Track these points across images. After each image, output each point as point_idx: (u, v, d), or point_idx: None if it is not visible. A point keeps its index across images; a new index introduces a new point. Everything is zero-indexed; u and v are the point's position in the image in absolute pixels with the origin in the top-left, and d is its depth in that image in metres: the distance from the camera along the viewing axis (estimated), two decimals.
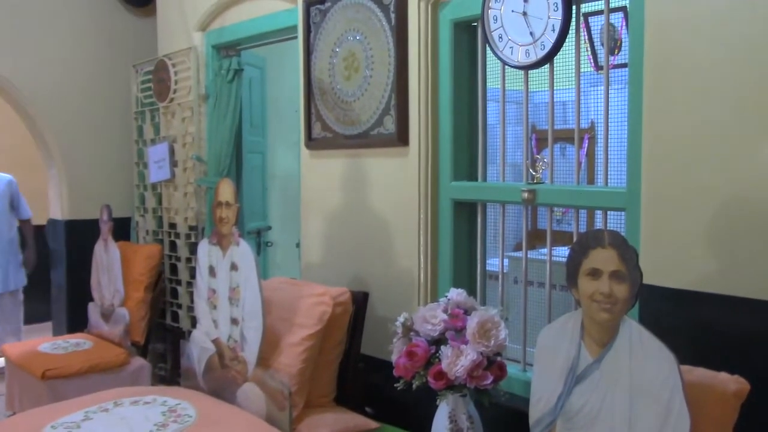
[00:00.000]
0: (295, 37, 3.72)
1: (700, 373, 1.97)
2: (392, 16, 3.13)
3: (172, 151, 4.55)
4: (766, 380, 1.96)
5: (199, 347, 3.28)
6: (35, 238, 5.49)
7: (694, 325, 2.17)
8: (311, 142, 3.61)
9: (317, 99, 3.57)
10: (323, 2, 3.48)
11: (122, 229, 4.86)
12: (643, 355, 1.92)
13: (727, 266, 2.10)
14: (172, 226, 4.61)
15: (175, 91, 4.53)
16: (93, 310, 4.49)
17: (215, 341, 3.17)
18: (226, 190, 3.14)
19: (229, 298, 3.08)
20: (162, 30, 4.78)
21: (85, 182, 5.00)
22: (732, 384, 1.90)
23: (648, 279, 2.08)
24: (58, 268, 5.08)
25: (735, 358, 2.03)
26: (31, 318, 5.97)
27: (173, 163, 4.55)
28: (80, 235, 4.85)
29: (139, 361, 4.03)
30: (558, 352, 2.06)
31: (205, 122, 4.36)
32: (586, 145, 5.55)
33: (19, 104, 4.87)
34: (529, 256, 3.03)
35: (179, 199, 4.53)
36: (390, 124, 3.18)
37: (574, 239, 2.29)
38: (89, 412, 2.85)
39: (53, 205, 5.15)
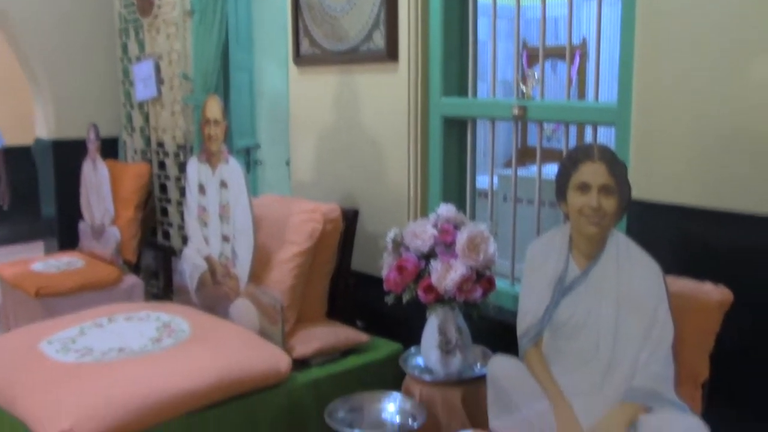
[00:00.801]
0: None
1: (685, 284, 2.01)
2: None
3: (157, 69, 4.47)
4: (748, 290, 2.00)
5: (191, 264, 3.31)
6: (8, 171, 5.13)
7: (680, 237, 2.20)
8: (299, 58, 3.56)
9: (305, 14, 3.50)
10: None
11: (110, 149, 4.82)
12: (629, 267, 1.96)
13: (714, 181, 2.11)
14: (160, 144, 4.58)
15: (159, 7, 4.42)
16: (84, 229, 4.50)
17: (207, 258, 3.20)
18: (213, 108, 3.11)
19: (220, 216, 3.09)
20: None
21: (71, 101, 4.93)
22: (716, 294, 1.95)
23: (636, 193, 2.09)
24: (47, 188, 5.06)
25: (719, 270, 2.07)
26: (22, 237, 5.98)
27: (159, 81, 4.48)
28: (68, 155, 4.81)
29: (131, 279, 4.07)
30: (546, 264, 2.09)
31: (190, 39, 4.27)
32: (578, 61, 5.50)
33: (1, 26, 4.75)
34: (518, 173, 3.04)
35: (167, 117, 4.49)
36: (379, 40, 3.13)
37: (564, 156, 2.30)
38: (84, 328, 2.89)
39: (39, 125, 5.09)
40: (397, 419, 2.42)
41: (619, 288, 1.96)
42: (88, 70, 4.97)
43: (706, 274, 2.01)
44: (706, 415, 1.85)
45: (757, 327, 2.05)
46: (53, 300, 3.75)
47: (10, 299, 4.05)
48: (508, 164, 5.09)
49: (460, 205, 3.03)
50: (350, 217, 3.11)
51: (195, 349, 2.67)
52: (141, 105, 4.72)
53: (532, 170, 3.85)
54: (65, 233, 4.89)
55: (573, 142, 3.07)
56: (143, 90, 4.60)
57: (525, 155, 4.74)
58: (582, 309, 2.02)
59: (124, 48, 4.86)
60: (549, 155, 3.27)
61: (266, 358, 2.63)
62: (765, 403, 2.08)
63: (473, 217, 3.11)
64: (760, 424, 2.09)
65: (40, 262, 4.23)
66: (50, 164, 4.96)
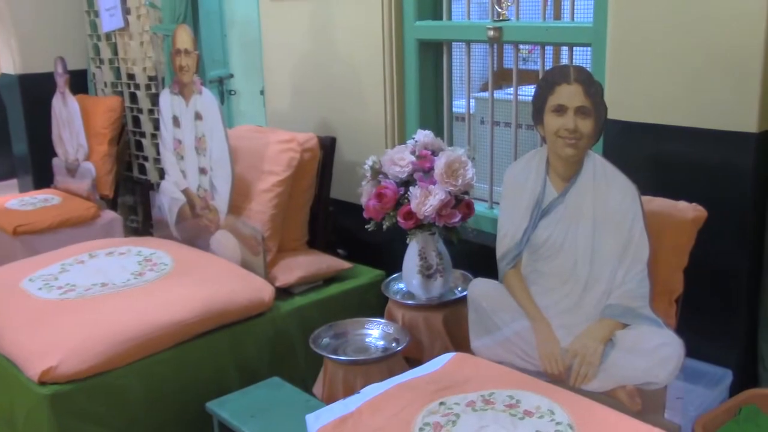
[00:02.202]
0: None
1: (660, 202, 2.04)
2: None
3: None
4: (722, 207, 2.04)
5: (169, 198, 3.29)
6: None
7: (656, 157, 2.22)
8: None
9: None
10: None
11: (79, 82, 4.71)
12: (605, 188, 1.98)
13: (689, 99, 2.12)
14: (131, 77, 4.49)
15: None
16: (58, 166, 4.45)
17: (185, 191, 3.18)
18: (183, 37, 3.04)
19: (196, 148, 3.06)
20: None
21: (35, 34, 4.78)
22: (690, 212, 1.98)
23: (612, 114, 2.10)
24: (17, 124, 4.97)
25: (694, 188, 2.10)
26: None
27: (126, 11, 4.36)
28: (36, 89, 4.70)
29: (109, 215, 4.04)
30: (524, 187, 2.11)
31: None
32: None
33: None
34: (495, 96, 3.03)
35: (135, 48, 4.38)
36: None
37: (540, 78, 2.29)
38: (65, 265, 2.90)
39: (4, 59, 4.96)
40: (381, 343, 2.48)
41: (595, 209, 1.99)
42: (51, 1, 4.81)
43: (681, 193, 2.04)
44: (680, 329, 1.91)
45: (728, 243, 2.09)
46: (31, 237, 3.73)
47: None
48: (484, 87, 5.06)
49: (438, 130, 3.02)
50: (328, 145, 3.09)
51: (178, 281, 2.69)
52: (108, 36, 4.60)
53: (508, 92, 3.83)
54: (39, 170, 4.82)
55: (549, 64, 3.05)
56: (109, 20, 4.48)
57: (501, 77, 4.71)
58: (560, 230, 2.05)
59: None
60: (525, 77, 3.25)
61: (250, 288, 2.66)
62: (728, 313, 2.15)
63: (451, 141, 3.10)
64: (722, 334, 2.17)
65: (16, 199, 4.18)
66: (18, 100, 4.85)
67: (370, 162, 2.57)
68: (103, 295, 2.59)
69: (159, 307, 2.47)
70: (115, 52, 4.58)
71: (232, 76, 4.47)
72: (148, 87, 4.36)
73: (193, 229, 3.17)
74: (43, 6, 4.78)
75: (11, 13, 4.71)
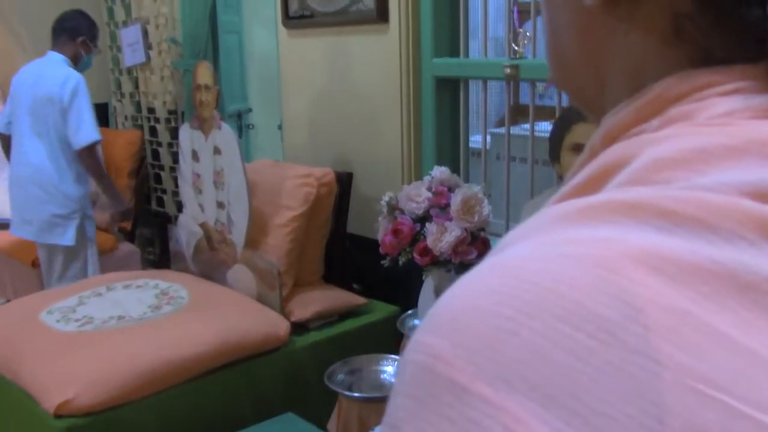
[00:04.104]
0: None
1: None
2: None
3: (145, 33, 4.42)
4: None
5: (186, 231, 3.31)
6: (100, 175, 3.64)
7: None
8: (288, 20, 3.52)
9: None
10: None
11: (100, 115, 4.77)
12: None
13: None
14: (151, 110, 4.55)
15: None
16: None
17: (203, 225, 3.21)
18: (204, 73, 3.09)
19: (214, 182, 3.09)
20: None
21: None
22: None
23: None
24: None
25: None
26: None
27: (147, 46, 4.44)
28: None
29: (127, 247, 4.08)
30: None
31: (177, 2, 4.22)
32: None
33: None
34: (511, 131, 3.04)
35: (156, 83, 4.45)
36: (369, 0, 3.10)
37: (557, 114, 2.30)
38: (83, 297, 2.91)
39: None
40: None
41: None
42: None
43: None
44: None
45: None
46: None
47: (7, 268, 4.06)
48: (500, 123, 5.08)
49: (454, 166, 3.03)
50: (344, 181, 3.11)
51: (194, 315, 2.69)
52: (130, 70, 4.68)
53: (524, 128, 3.85)
54: None
55: (566, 100, 3.07)
56: (131, 55, 4.55)
57: (517, 113, 4.73)
58: None
59: (110, 12, 4.80)
60: (541, 112, 3.27)
61: (265, 323, 2.66)
62: None
63: (467, 177, 3.11)
64: None
65: None
66: None
67: (386, 198, 2.58)
68: (119, 328, 2.60)
69: (174, 341, 2.47)
70: (136, 86, 4.66)
71: (250, 109, 4.52)
72: (167, 121, 4.42)
73: (210, 262, 3.18)
74: None
75: (35, 47, 4.80)
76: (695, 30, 0.37)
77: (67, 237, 3.42)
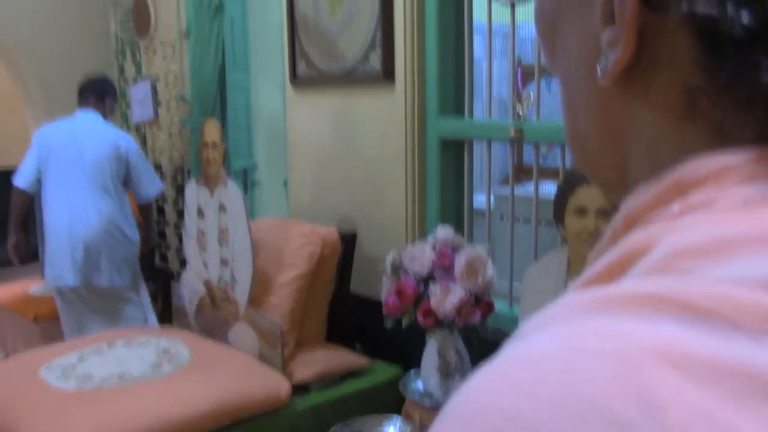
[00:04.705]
0: None
1: None
2: None
3: (154, 91, 4.49)
4: None
5: (189, 288, 3.31)
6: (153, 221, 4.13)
7: None
8: (296, 79, 3.57)
9: (301, 35, 3.51)
10: None
11: None
12: None
13: None
14: (158, 167, 4.59)
15: (155, 28, 4.44)
16: None
17: (206, 282, 3.20)
18: (212, 131, 3.12)
19: (219, 240, 3.09)
20: None
21: None
22: None
23: None
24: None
25: None
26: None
27: (156, 103, 4.50)
28: None
29: None
30: (544, 289, 2.10)
31: (187, 60, 4.29)
32: None
33: None
34: (515, 193, 3.05)
35: (164, 139, 4.50)
36: (375, 61, 3.15)
37: (560, 175, 2.31)
38: (84, 354, 2.89)
39: None
40: None
41: None
42: None
43: None
44: None
45: None
46: (52, 324, 3.74)
47: (8, 322, 4.04)
48: (504, 182, 5.10)
49: (458, 226, 3.03)
50: (348, 240, 3.11)
51: (195, 375, 2.66)
52: (138, 127, 4.73)
53: (528, 188, 3.86)
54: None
55: (569, 162, 3.08)
56: (140, 112, 4.61)
57: (521, 172, 4.76)
58: None
59: (121, 69, 4.88)
60: (545, 173, 3.28)
61: (266, 384, 2.63)
62: None
63: (471, 237, 3.11)
64: None
65: (38, 286, 4.22)
66: None
67: (390, 258, 2.58)
68: (119, 387, 2.57)
69: (174, 401, 2.44)
70: (144, 143, 4.70)
71: (256, 166, 4.55)
72: (174, 177, 4.45)
73: (213, 320, 3.16)
74: (74, 88, 4.90)
75: (46, 101, 4.86)
76: (708, 103, 0.37)
77: (127, 278, 3.69)
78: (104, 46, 5.00)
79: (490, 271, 2.45)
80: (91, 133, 3.62)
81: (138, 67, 4.68)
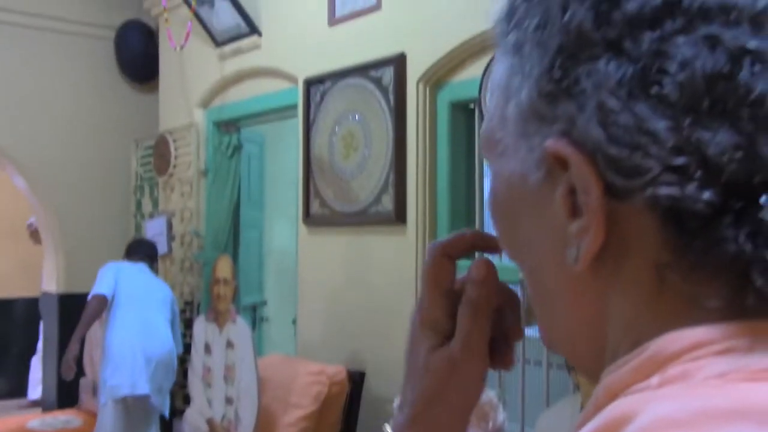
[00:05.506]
0: (295, 116, 3.79)
1: None
2: (391, 97, 3.19)
3: (169, 226, 4.56)
4: None
5: (192, 426, 3.22)
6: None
7: None
8: (309, 218, 3.63)
9: (316, 176, 3.61)
10: (323, 82, 3.56)
11: None
12: None
13: None
14: None
15: (174, 166, 4.58)
16: (84, 386, 4.43)
17: (209, 421, 3.12)
18: (224, 267, 3.15)
19: (225, 377, 3.05)
20: (164, 106, 4.86)
21: (82, 255, 4.98)
22: None
23: None
24: (50, 342, 5.02)
25: None
26: (19, 392, 5.88)
27: (171, 238, 4.56)
28: (75, 309, 4.80)
29: None
30: None
31: (203, 197, 4.40)
32: None
33: (18, 174, 4.90)
34: (526, 334, 3.01)
35: (176, 273, 4.53)
36: (388, 203, 3.21)
37: None
38: None
39: (48, 278, 5.13)
40: None
41: None
42: (101, 225, 5.06)
43: None
44: None
45: None
46: None
47: None
48: None
49: None
50: (356, 380, 3.06)
51: None
52: None
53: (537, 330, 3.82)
54: (65, 389, 4.79)
55: None
56: None
57: (531, 315, 4.73)
58: None
59: (138, 204, 4.99)
60: None
61: None
62: None
63: None
64: None
65: (37, 420, 4.13)
66: (55, 319, 4.93)
67: (397, 401, 2.52)
68: None
69: None
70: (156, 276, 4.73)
71: (265, 302, 4.55)
72: (183, 311, 4.44)
73: None
74: (93, 229, 4.97)
75: (61, 234, 4.93)
76: (678, 278, 0.38)
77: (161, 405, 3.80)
78: (124, 181, 5.13)
79: (501, 416, 2.38)
80: (152, 277, 4.02)
81: (155, 203, 4.79)
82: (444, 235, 3.07)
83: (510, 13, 0.44)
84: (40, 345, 5.72)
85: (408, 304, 3.12)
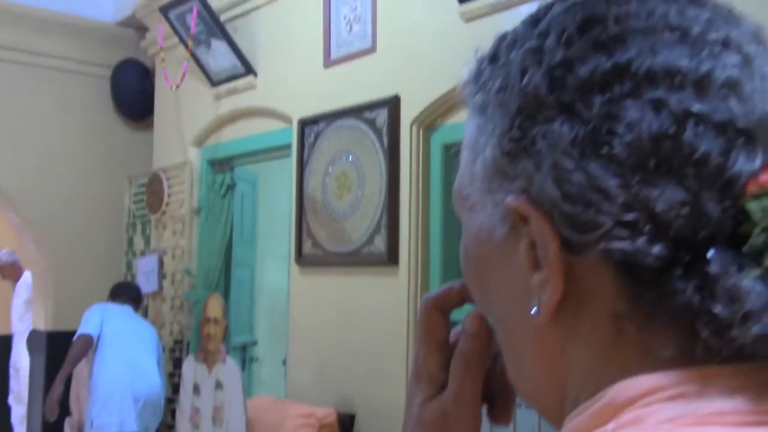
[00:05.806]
0: (289, 156, 3.80)
1: None
2: (385, 138, 3.21)
3: (160, 264, 4.54)
4: None
5: None
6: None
7: None
8: (301, 258, 3.62)
9: (309, 216, 3.61)
10: (317, 123, 3.58)
11: None
12: None
13: None
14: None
15: (167, 204, 4.57)
16: (69, 426, 4.36)
17: None
18: (215, 307, 3.13)
19: (213, 418, 3.01)
20: (158, 144, 4.87)
21: (71, 292, 4.95)
22: None
23: None
24: (37, 382, 4.95)
25: None
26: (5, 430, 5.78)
27: (161, 276, 4.54)
28: (62, 347, 4.75)
29: None
30: None
31: (196, 235, 4.39)
32: None
33: (8, 210, 4.88)
34: None
35: (166, 312, 4.49)
36: (380, 244, 3.21)
37: None
38: None
39: (36, 315, 5.08)
40: None
41: None
42: (93, 262, 5.02)
43: None
44: None
45: None
46: None
47: None
48: None
49: None
50: (346, 423, 3.03)
51: None
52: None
53: None
54: (50, 429, 4.72)
55: None
56: (145, 284, 4.64)
57: None
58: None
59: (130, 242, 4.97)
60: None
61: None
62: None
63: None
64: None
65: None
66: (42, 357, 4.87)
67: None
68: None
69: None
70: (146, 314, 4.69)
71: (255, 342, 4.51)
72: (172, 350, 4.40)
73: None
74: (83, 266, 4.94)
75: (51, 270, 4.90)
76: (634, 328, 0.40)
77: None
78: (117, 218, 5.12)
79: None
80: (138, 319, 4.14)
81: (147, 240, 4.78)
82: (436, 276, 3.07)
83: (477, 75, 0.48)
84: (11, 384, 5.70)
85: (399, 347, 3.10)
